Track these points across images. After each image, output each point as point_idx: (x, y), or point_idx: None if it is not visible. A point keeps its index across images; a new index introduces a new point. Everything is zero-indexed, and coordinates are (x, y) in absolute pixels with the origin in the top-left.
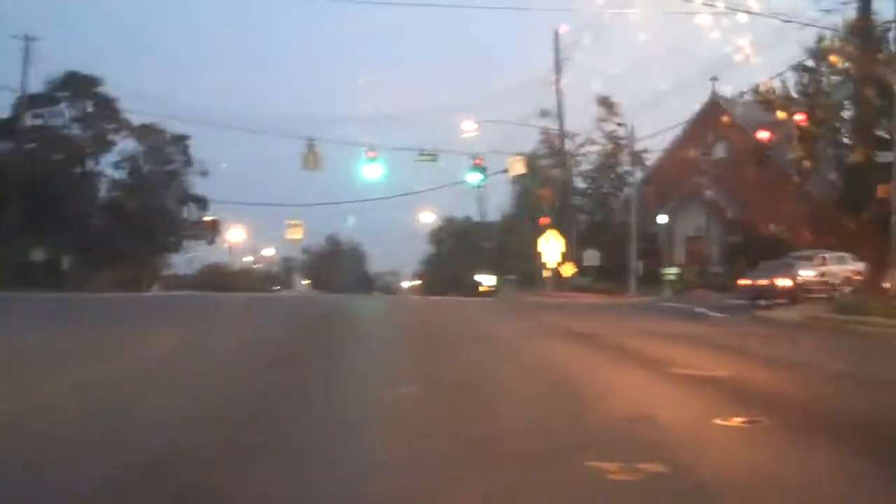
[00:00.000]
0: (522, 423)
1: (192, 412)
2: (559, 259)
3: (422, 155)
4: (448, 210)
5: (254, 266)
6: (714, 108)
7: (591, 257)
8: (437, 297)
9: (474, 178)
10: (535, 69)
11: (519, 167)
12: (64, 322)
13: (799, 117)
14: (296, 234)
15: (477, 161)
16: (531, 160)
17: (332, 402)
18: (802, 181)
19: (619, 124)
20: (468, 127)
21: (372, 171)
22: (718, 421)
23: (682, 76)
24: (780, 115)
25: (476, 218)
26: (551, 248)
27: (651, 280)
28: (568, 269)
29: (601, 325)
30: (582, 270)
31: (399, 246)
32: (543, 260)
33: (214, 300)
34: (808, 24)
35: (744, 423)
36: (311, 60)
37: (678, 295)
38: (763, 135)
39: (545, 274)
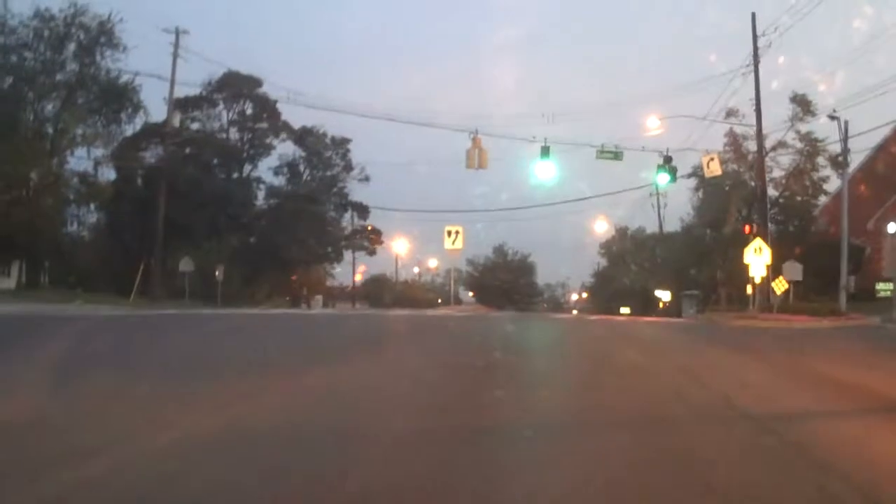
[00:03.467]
0: None
1: None
2: (764, 272)
3: (602, 152)
4: (624, 220)
5: (419, 278)
6: None
7: (793, 270)
8: (620, 318)
9: (663, 179)
10: (723, 62)
11: (715, 167)
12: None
13: None
14: (456, 244)
15: (666, 159)
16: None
17: None
18: None
19: (832, 117)
20: (652, 124)
21: (545, 171)
22: None
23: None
24: None
25: (651, 229)
26: (759, 260)
27: (862, 297)
28: (781, 286)
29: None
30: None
31: (569, 256)
32: (751, 274)
33: (384, 323)
34: None
35: None
36: (477, 53)
37: None
38: None
39: (749, 290)
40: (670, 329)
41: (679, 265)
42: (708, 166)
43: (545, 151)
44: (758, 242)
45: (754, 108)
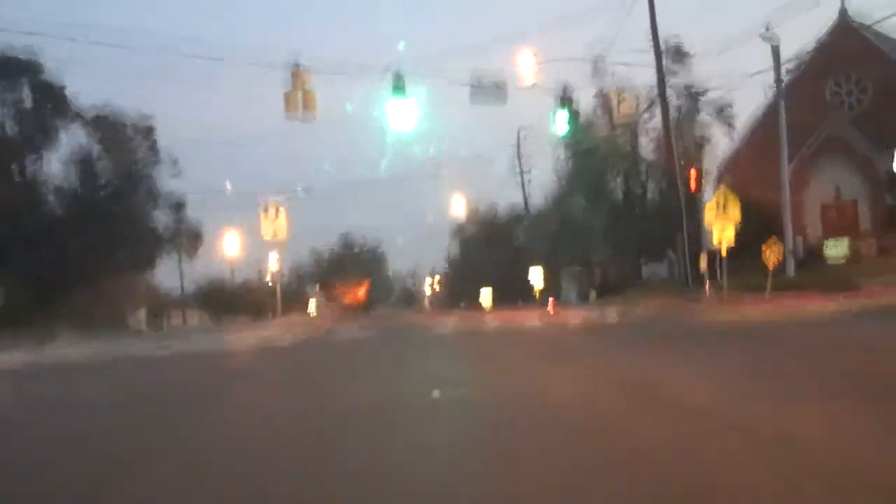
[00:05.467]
0: None
1: None
2: (729, 237)
3: (476, 87)
4: (486, 196)
5: (268, 280)
6: (844, 32)
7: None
8: (529, 318)
9: (562, 122)
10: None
11: (627, 107)
12: None
13: None
14: (278, 227)
15: (564, 98)
16: (586, 128)
17: None
18: None
19: (766, 37)
20: (526, 61)
21: (401, 112)
22: None
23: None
24: None
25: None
26: (725, 219)
27: (807, 264)
28: (774, 253)
29: None
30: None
31: (420, 240)
32: (715, 240)
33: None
34: None
35: None
36: None
37: None
38: None
39: (703, 264)
40: (659, 344)
41: (552, 243)
42: (618, 108)
43: (398, 84)
44: (721, 195)
45: (651, 40)
